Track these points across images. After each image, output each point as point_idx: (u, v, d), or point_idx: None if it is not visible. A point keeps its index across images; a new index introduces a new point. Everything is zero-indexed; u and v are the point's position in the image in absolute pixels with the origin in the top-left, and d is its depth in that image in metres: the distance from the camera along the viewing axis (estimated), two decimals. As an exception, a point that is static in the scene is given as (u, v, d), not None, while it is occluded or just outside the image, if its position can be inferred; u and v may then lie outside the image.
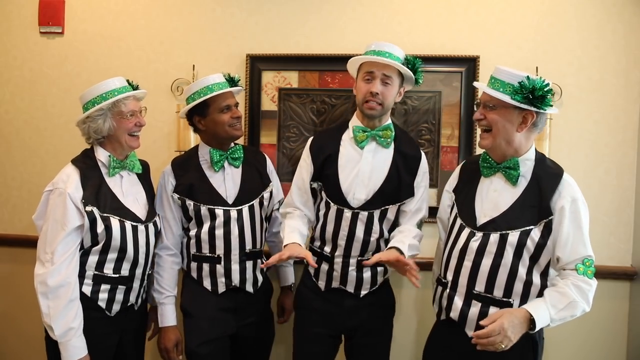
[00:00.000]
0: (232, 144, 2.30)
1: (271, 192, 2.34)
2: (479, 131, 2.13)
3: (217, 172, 2.24)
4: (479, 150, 2.24)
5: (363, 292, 2.13)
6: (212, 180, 2.24)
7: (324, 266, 2.14)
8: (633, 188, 2.50)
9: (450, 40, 2.57)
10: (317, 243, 2.19)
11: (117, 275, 2.03)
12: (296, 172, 2.24)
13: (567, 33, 2.52)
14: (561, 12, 2.52)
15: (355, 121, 2.15)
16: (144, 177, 2.23)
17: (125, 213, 2.05)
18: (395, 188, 2.10)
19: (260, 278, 2.30)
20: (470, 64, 2.55)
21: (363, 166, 2.10)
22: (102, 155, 2.08)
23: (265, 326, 2.36)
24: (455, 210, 1.97)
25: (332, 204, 2.11)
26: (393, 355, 2.27)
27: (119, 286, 2.05)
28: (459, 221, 1.93)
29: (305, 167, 2.20)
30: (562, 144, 2.51)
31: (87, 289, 1.99)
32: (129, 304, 2.10)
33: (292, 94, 2.68)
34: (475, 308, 1.83)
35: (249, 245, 2.24)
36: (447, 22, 2.58)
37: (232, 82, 2.27)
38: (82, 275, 1.98)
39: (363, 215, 2.08)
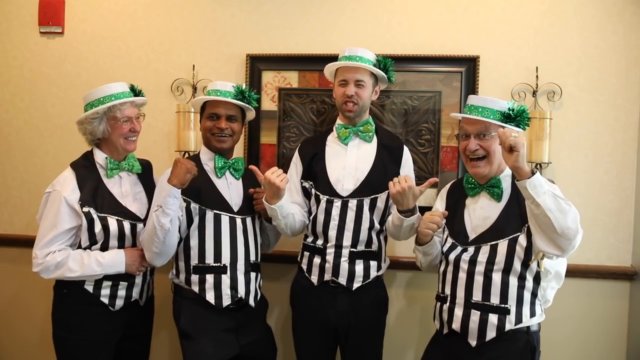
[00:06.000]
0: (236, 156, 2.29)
1: None
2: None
3: (220, 180, 2.21)
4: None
5: (356, 285, 2.14)
6: (218, 187, 2.20)
7: (316, 260, 2.18)
8: (633, 188, 2.50)
9: (450, 40, 2.57)
10: (310, 238, 2.24)
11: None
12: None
13: (567, 33, 2.51)
14: (561, 12, 2.52)
15: (337, 122, 2.28)
16: (145, 177, 2.23)
17: (123, 212, 2.09)
18: (381, 176, 2.17)
19: (259, 292, 2.25)
20: (470, 64, 2.55)
21: (349, 159, 2.22)
22: (99, 157, 2.12)
23: (266, 343, 2.28)
24: (446, 231, 2.04)
25: (322, 196, 2.18)
26: (386, 354, 2.28)
27: (121, 282, 2.08)
28: (450, 240, 2.00)
29: (294, 168, 2.31)
30: (562, 144, 2.51)
31: (90, 286, 2.04)
32: (132, 300, 2.12)
33: (292, 94, 2.68)
34: (475, 317, 1.87)
35: (252, 257, 2.20)
36: (447, 22, 2.58)
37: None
38: None
39: (352, 203, 2.14)
